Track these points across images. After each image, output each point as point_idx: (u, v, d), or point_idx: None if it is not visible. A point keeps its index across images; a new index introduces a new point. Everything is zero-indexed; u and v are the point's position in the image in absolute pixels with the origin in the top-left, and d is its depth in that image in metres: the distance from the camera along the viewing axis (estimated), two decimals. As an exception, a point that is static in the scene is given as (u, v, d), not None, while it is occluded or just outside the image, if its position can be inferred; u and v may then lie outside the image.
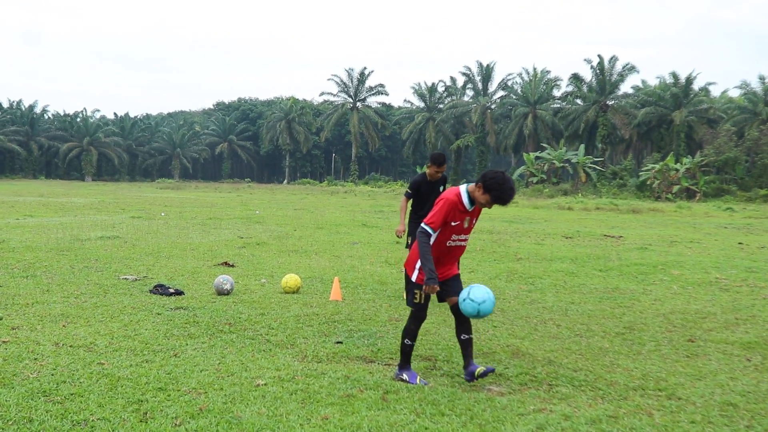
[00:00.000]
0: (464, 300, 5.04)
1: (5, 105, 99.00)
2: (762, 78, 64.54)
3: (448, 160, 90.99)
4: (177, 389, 4.75)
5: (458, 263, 5.48)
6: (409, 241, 8.52)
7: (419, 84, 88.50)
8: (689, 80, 66.90)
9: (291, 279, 8.79)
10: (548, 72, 76.99)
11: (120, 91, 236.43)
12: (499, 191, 4.94)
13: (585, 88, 70.96)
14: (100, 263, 10.84)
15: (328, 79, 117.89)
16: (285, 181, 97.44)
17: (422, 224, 5.13)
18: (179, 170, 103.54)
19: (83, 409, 4.31)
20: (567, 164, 64.08)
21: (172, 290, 8.40)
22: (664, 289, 9.90)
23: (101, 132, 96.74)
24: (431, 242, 5.10)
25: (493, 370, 5.10)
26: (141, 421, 4.16)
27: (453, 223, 5.10)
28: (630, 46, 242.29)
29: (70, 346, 5.77)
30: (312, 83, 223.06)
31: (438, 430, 4.17)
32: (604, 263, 12.46)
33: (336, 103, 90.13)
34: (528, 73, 77.75)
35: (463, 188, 5.15)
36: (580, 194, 53.59)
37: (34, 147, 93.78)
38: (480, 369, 5.11)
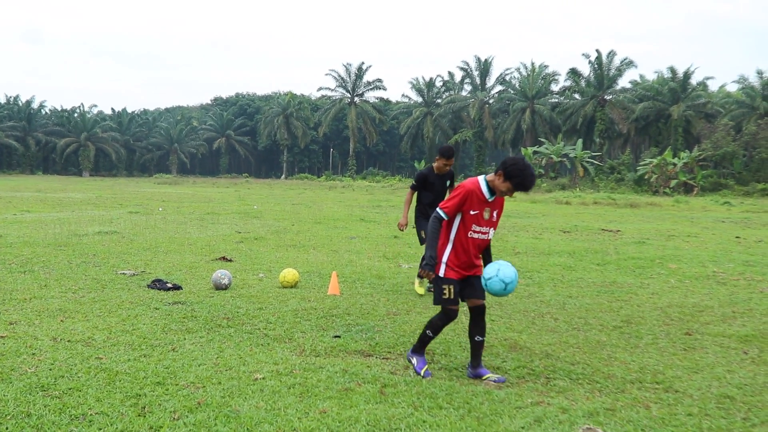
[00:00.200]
0: (490, 278, 5.01)
1: (2, 101, 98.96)
2: (760, 73, 64.62)
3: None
4: (175, 383, 4.76)
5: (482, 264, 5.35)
6: (423, 235, 8.40)
7: (417, 79, 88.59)
8: (687, 75, 66.95)
9: (289, 273, 8.80)
10: (546, 67, 77.08)
11: (117, 87, 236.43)
12: (520, 177, 4.90)
13: (583, 83, 70.99)
14: (97, 258, 10.83)
15: (326, 74, 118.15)
16: (283, 176, 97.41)
17: (437, 209, 5.10)
18: (177, 165, 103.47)
19: (81, 404, 4.31)
20: (565, 159, 64.09)
21: (170, 285, 8.40)
22: (661, 283, 9.92)
23: (99, 127, 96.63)
24: (453, 233, 5.07)
25: (503, 381, 5.06)
26: (139, 416, 4.16)
27: (472, 212, 5.02)
28: (628, 41, 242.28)
29: (68, 341, 5.77)
30: (310, 78, 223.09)
31: (436, 424, 4.18)
32: (601, 257, 12.48)
33: (334, 98, 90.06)
34: (526, 68, 77.82)
35: (481, 178, 5.10)
36: (578, 189, 53.64)
37: (31, 142, 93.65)
38: (490, 376, 5.11)
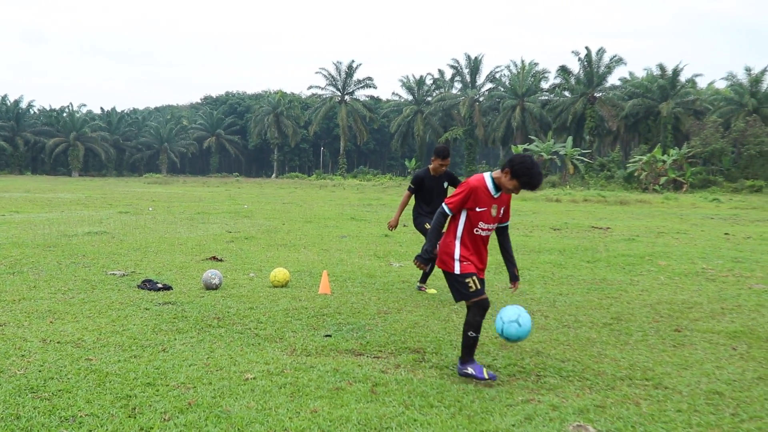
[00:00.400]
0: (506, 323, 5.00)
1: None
2: (748, 69, 64.97)
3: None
4: (165, 384, 4.74)
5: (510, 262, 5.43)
6: (427, 226, 8.29)
7: (407, 77, 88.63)
8: (676, 72, 67.23)
9: (279, 273, 8.78)
10: (536, 64, 77.33)
11: (106, 86, 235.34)
12: (528, 176, 4.88)
13: (573, 80, 71.21)
14: (87, 259, 10.79)
15: (316, 73, 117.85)
16: (273, 175, 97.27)
17: (442, 204, 5.10)
18: (167, 165, 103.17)
19: (71, 405, 4.30)
20: (555, 156, 64.23)
21: (160, 285, 8.38)
22: (651, 280, 9.97)
23: (88, 127, 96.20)
24: (459, 230, 5.07)
25: (494, 378, 5.05)
26: (129, 417, 4.15)
27: (478, 209, 5.02)
28: (618, 39, 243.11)
29: (58, 342, 5.75)
30: (300, 77, 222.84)
31: (427, 422, 4.18)
32: (591, 254, 12.53)
33: (324, 97, 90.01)
34: (516, 66, 77.97)
35: (487, 175, 5.09)
36: (568, 186, 53.81)
37: (19, 142, 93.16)
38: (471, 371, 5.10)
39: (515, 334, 4.99)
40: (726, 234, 17.53)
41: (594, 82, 69.42)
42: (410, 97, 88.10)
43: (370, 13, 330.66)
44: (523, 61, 76.91)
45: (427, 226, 8.22)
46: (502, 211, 5.17)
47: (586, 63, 69.69)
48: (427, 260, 5.04)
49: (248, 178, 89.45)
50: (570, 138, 64.94)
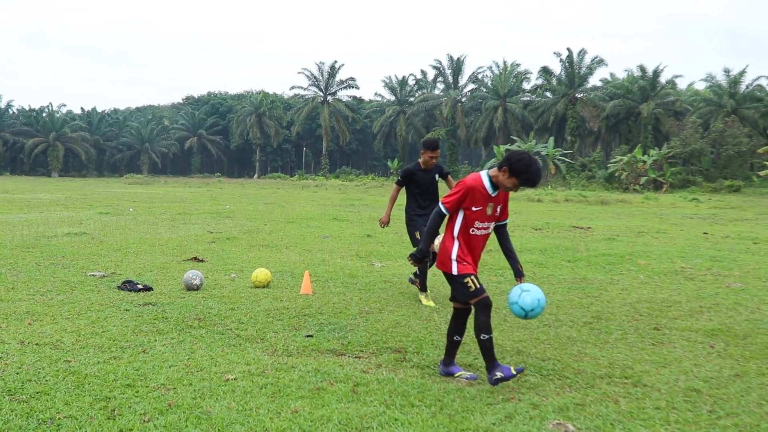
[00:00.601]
0: (513, 304, 5.01)
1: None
2: (727, 71, 65.68)
3: (418, 154, 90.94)
4: (145, 385, 4.72)
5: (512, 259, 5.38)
6: (418, 236, 8.11)
7: (390, 77, 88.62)
8: (656, 73, 67.86)
9: (261, 273, 8.76)
10: (518, 65, 77.65)
11: (87, 86, 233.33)
12: (527, 173, 4.81)
13: (554, 81, 71.65)
14: (66, 260, 10.70)
15: (299, 73, 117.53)
16: (255, 175, 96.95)
17: (439, 203, 5.05)
18: (148, 165, 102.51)
19: (49, 408, 4.26)
20: (537, 157, 64.49)
21: (140, 286, 8.33)
22: (631, 279, 10.05)
23: (68, 127, 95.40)
24: (456, 231, 5.01)
25: (476, 378, 5.09)
26: (109, 419, 4.12)
27: (474, 209, 4.95)
28: (599, 40, 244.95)
29: (36, 344, 5.69)
30: (282, 77, 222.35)
31: (408, 421, 4.19)
32: (572, 254, 12.61)
33: (306, 97, 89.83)
34: (498, 67, 78.25)
35: (483, 174, 5.02)
36: (549, 186, 54.10)
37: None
38: (462, 374, 5.14)
39: (516, 313, 5.04)
40: (705, 233, 17.71)
41: (575, 83, 69.89)
42: (393, 98, 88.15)
43: (353, 13, 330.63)
44: (505, 62, 77.26)
45: (418, 235, 8.09)
46: (498, 210, 5.10)
47: (567, 64, 70.15)
48: (419, 259, 4.99)
49: (230, 178, 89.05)
50: (552, 138, 65.31)
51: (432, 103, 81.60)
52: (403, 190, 8.48)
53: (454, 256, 5.01)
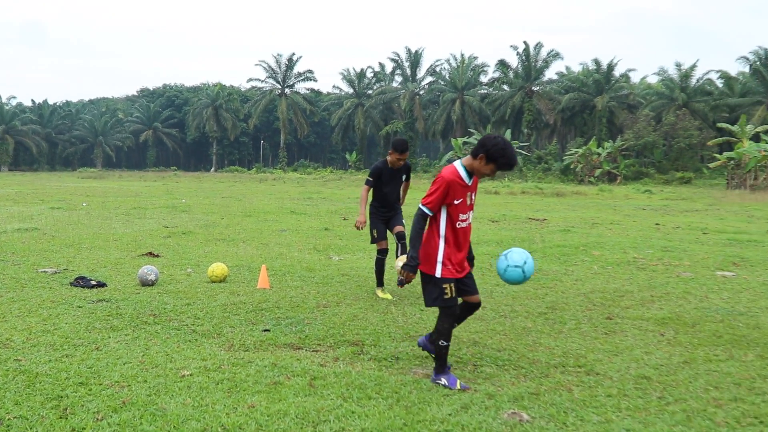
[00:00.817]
0: (506, 268, 4.99)
1: None
2: (678, 65, 67.08)
3: (376, 146, 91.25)
4: (99, 383, 4.65)
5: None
6: (375, 235, 8.09)
7: (348, 70, 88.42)
8: (611, 67, 68.93)
9: (218, 268, 8.69)
10: (476, 58, 78.18)
11: (37, 77, 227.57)
12: (504, 158, 4.69)
13: (511, 74, 72.33)
14: (17, 256, 10.46)
15: (256, 65, 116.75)
16: (212, 168, 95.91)
17: (420, 206, 4.82)
18: (102, 159, 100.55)
19: (-1, 407, 4.17)
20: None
21: (93, 282, 8.19)
22: (585, 270, 10.22)
23: (18, 120, 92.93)
24: (442, 229, 4.84)
25: (468, 389, 4.87)
26: (61, 418, 4.06)
27: (456, 201, 4.79)
28: (555, 34, 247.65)
29: (-15, 343, 5.56)
30: (239, 69, 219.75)
31: (365, 414, 4.21)
32: (528, 245, 12.76)
33: (264, 90, 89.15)
34: (456, 60, 78.62)
35: (458, 164, 4.86)
36: (506, 178, 54.63)
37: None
38: (449, 381, 4.90)
39: (516, 279, 5.02)
40: (657, 224, 18.10)
41: (532, 76, 70.66)
42: (351, 90, 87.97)
43: (311, 5, 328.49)
44: (462, 55, 77.68)
45: (375, 233, 8.07)
46: (473, 197, 4.99)
47: (524, 57, 70.88)
48: (414, 268, 4.76)
49: (186, 172, 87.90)
50: (508, 131, 66.03)
51: (390, 96, 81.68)
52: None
53: (440, 257, 4.83)
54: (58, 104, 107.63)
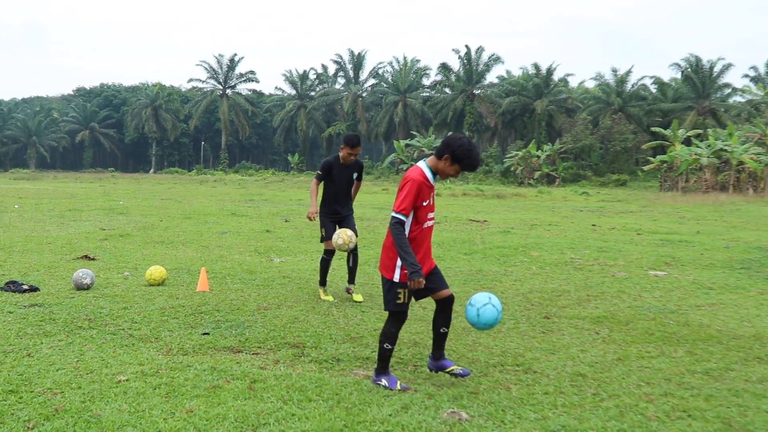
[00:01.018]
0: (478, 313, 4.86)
1: None
2: (614, 71, 68.99)
3: (319, 148, 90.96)
4: (30, 390, 4.52)
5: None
6: (324, 233, 7.95)
7: (290, 71, 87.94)
8: (550, 71, 70.33)
9: (156, 271, 8.53)
10: (418, 61, 78.71)
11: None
12: (469, 159, 4.69)
13: (453, 78, 73.08)
14: (-57, 260, 10.06)
15: (197, 65, 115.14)
16: (152, 170, 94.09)
17: (393, 214, 4.66)
18: (35, 159, 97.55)
19: (-77, 417, 4.02)
20: (436, 151, 65.54)
21: (25, 287, 7.94)
22: (524, 270, 10.40)
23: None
24: (408, 230, 4.73)
25: (468, 374, 5.01)
26: (-11, 426, 3.93)
27: (424, 203, 4.74)
28: (496, 38, 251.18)
29: None
30: (180, 69, 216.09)
31: (305, 416, 4.20)
32: (469, 247, 12.92)
33: (205, 90, 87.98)
34: (398, 62, 79.07)
35: (423, 165, 4.80)
36: (448, 180, 55.17)
37: None
38: (454, 368, 5.01)
39: (493, 317, 4.86)
40: (593, 225, 18.54)
41: (473, 80, 71.59)
42: (293, 92, 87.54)
43: (254, 5, 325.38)
44: (405, 58, 78.14)
45: (324, 233, 7.92)
46: (434, 197, 4.96)
47: (465, 61, 71.76)
48: (420, 273, 4.61)
49: (125, 173, 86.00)
50: (450, 134, 66.53)
51: (333, 98, 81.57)
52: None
53: (399, 262, 4.76)
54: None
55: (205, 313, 6.93)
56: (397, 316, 4.88)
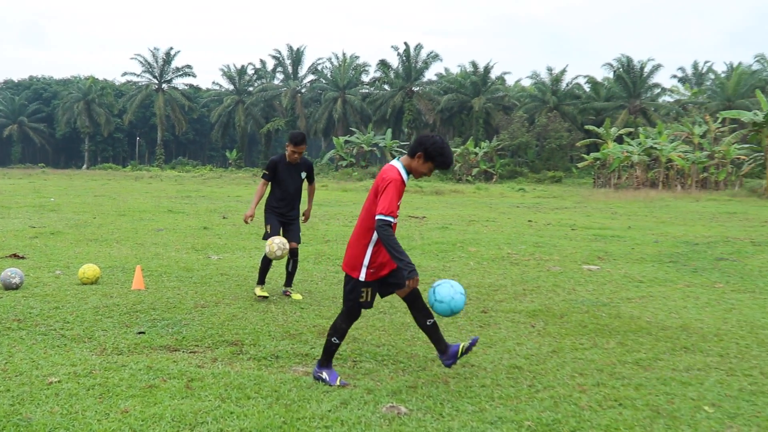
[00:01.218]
0: (434, 303, 4.78)
1: None
2: (550, 69, 70.46)
3: (258, 144, 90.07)
4: (-45, 393, 4.36)
5: None
6: (269, 230, 7.72)
7: (228, 66, 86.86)
8: (487, 69, 71.28)
9: (89, 269, 8.32)
10: (357, 57, 78.75)
11: None
12: (442, 156, 4.69)
13: (392, 75, 73.39)
14: None
15: (131, 59, 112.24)
16: (84, 166, 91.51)
17: (381, 216, 4.55)
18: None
19: None
20: (375, 148, 65.84)
21: (-50, 287, 7.64)
22: (462, 265, 10.54)
23: None
24: (376, 234, 4.65)
25: (477, 339, 4.93)
26: None
27: (398, 203, 4.71)
28: (436, 36, 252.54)
29: None
30: (113, 63, 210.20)
31: (243, 414, 4.17)
32: (407, 243, 13.01)
33: (140, 84, 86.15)
34: (337, 58, 78.92)
35: (398, 165, 4.78)
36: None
37: None
38: (463, 344, 4.91)
39: (461, 304, 4.79)
40: (529, 221, 18.90)
41: (412, 77, 72.04)
42: (231, 87, 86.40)
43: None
44: (344, 54, 78.07)
45: (269, 229, 7.74)
46: None
47: (404, 58, 72.13)
48: (416, 272, 4.56)
49: (56, 169, 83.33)
50: (389, 130, 66.92)
51: (271, 93, 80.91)
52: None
53: (366, 261, 4.76)
54: None
55: (140, 312, 6.80)
56: (351, 313, 4.88)
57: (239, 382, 4.74)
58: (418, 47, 71.92)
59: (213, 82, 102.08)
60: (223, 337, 5.95)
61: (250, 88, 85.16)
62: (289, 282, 7.98)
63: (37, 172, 65.26)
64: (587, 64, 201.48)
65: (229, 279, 8.87)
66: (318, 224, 16.45)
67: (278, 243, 7.37)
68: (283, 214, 7.84)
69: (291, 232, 7.86)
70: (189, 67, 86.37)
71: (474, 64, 71.88)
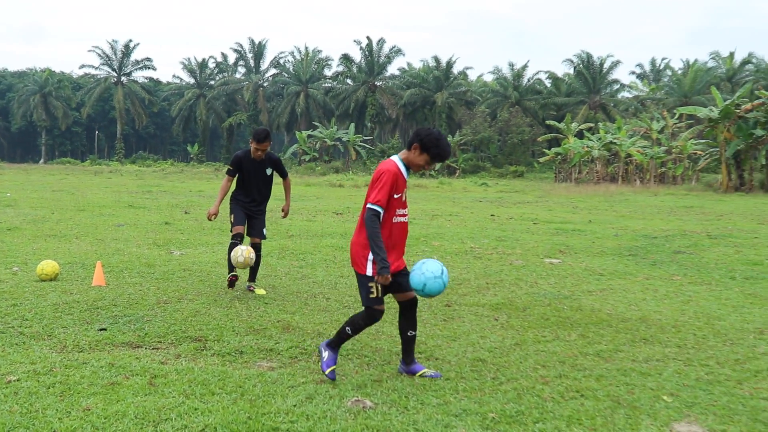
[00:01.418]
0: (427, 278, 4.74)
1: None
2: (511, 65, 71.06)
3: (219, 138, 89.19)
4: None
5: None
6: (232, 220, 7.66)
7: (189, 59, 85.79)
8: (449, 64, 71.61)
9: (47, 265, 8.17)
10: (320, 51, 78.43)
11: None
12: (438, 148, 4.70)
13: (355, 69, 73.26)
14: None
15: (89, 51, 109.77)
16: (41, 160, 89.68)
17: (369, 205, 4.61)
18: None
19: None
20: (338, 143, 65.79)
21: None
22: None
23: None
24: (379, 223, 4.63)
25: (440, 376, 4.93)
26: None
27: (396, 195, 4.70)
28: (398, 31, 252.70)
29: None
30: (70, 55, 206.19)
31: (208, 410, 4.15)
32: (372, 237, 13.00)
33: (98, 77, 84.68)
34: (300, 52, 78.59)
35: (396, 159, 4.80)
36: (350, 171, 55.34)
37: None
38: (425, 371, 4.94)
39: (438, 289, 4.80)
40: (492, 215, 19.07)
41: (375, 71, 72.00)
42: (192, 81, 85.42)
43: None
44: (307, 48, 77.73)
45: (233, 218, 7.67)
46: (406, 193, 4.94)
47: (367, 52, 72.05)
48: (388, 270, 4.56)
49: (11, 164, 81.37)
50: (352, 125, 66.79)
51: (233, 87, 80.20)
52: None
53: (371, 256, 4.70)
54: None
55: (101, 308, 6.70)
56: (370, 313, 4.80)
57: (203, 378, 4.71)
58: (381, 42, 71.95)
59: (174, 76, 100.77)
60: (187, 333, 5.90)
61: (212, 82, 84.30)
62: (252, 277, 7.93)
63: (-8, 167, 63.74)
64: (548, 60, 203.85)
65: (191, 275, 8.78)
66: (281, 219, 16.36)
67: (242, 250, 7.33)
68: (249, 207, 7.80)
69: (255, 227, 7.82)
70: (149, 60, 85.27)
71: (436, 59, 72.21)
